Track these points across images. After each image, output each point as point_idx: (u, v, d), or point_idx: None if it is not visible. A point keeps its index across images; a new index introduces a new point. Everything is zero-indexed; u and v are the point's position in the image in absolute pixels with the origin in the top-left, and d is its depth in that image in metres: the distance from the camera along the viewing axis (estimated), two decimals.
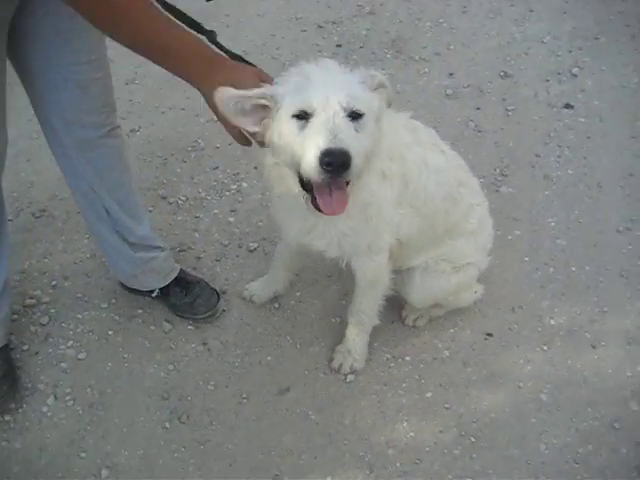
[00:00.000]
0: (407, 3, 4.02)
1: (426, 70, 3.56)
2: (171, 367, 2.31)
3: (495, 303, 2.51)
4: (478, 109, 3.35)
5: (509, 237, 2.74)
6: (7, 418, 2.16)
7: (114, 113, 2.06)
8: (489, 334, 2.43)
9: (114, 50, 1.84)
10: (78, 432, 2.14)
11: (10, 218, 2.70)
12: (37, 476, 2.05)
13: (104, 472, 2.05)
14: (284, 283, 2.46)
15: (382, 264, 1.99)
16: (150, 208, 2.79)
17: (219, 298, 2.44)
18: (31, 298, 2.47)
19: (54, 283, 2.52)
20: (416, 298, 2.25)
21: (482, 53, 3.68)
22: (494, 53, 3.69)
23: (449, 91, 3.44)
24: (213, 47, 1.63)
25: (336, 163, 1.42)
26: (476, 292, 2.36)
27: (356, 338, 2.26)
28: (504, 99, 3.41)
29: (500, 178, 3.00)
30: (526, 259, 2.67)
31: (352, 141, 1.46)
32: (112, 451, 2.10)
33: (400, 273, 2.21)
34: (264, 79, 1.57)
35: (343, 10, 3.96)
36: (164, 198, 2.86)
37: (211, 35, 1.73)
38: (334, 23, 3.87)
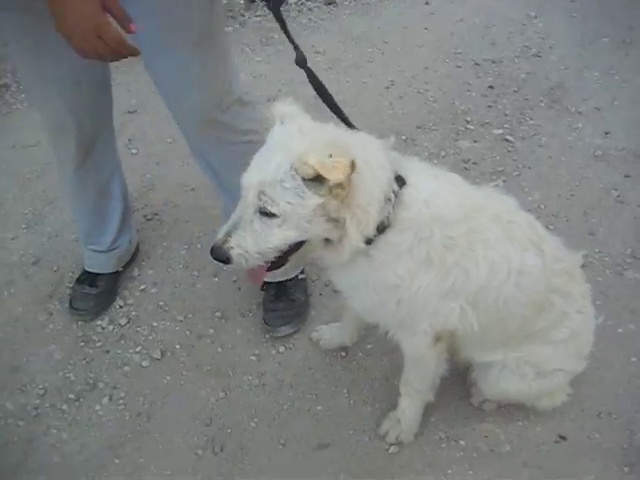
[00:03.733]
0: (580, 49, 3.70)
1: (579, 125, 3.26)
2: (222, 395, 2.30)
3: (579, 403, 2.21)
4: (627, 177, 3.00)
5: (619, 330, 2.41)
6: (64, 407, 2.28)
7: None
8: (562, 437, 2.15)
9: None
10: (119, 438, 2.21)
11: None
12: (72, 471, 2.14)
13: None
14: (352, 337, 2.37)
15: (423, 346, 1.82)
16: None
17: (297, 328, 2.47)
18: (119, 298, 2.59)
19: (143, 287, 2.63)
20: (488, 393, 2.06)
21: None
22: None
23: (599, 152, 3.11)
24: None
25: (217, 258, 1.56)
26: (563, 394, 2.12)
27: (406, 409, 2.10)
28: None
29: (629, 260, 2.64)
30: (633, 359, 2.33)
31: (247, 241, 1.52)
32: (143, 464, 2.14)
33: (475, 365, 2.04)
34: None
35: (507, 49, 3.74)
36: None
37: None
38: (493, 62, 3.67)
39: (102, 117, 2.21)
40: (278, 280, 2.45)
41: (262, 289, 2.50)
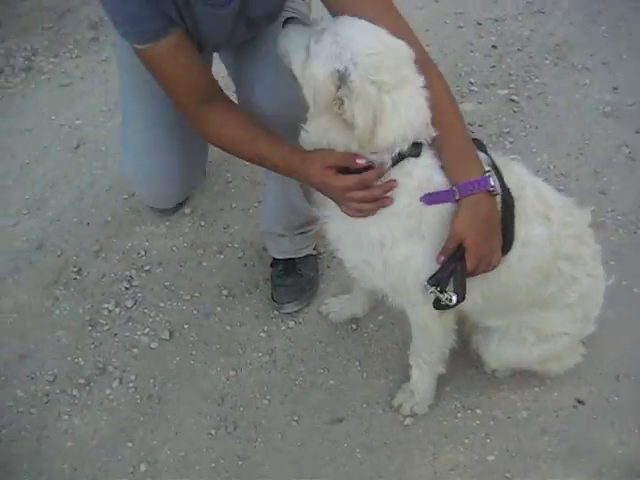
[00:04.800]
0: (584, 1, 3.58)
1: (587, 82, 3.16)
2: (232, 373, 2.28)
3: (597, 366, 2.17)
4: (638, 132, 2.91)
5: (635, 290, 2.36)
6: (74, 393, 2.26)
7: None
8: (580, 401, 2.11)
9: None
10: (132, 421, 2.19)
11: (126, 196, 2.84)
12: (86, 455, 2.12)
13: (142, 466, 2.07)
14: (363, 308, 2.32)
15: (426, 316, 1.77)
16: (255, 204, 2.76)
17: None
18: (124, 279, 2.56)
19: (148, 268, 2.59)
20: (492, 363, 2.03)
21: None
22: None
23: (608, 108, 3.02)
24: None
25: None
26: (576, 356, 2.07)
27: (418, 381, 2.06)
28: None
29: None
30: None
31: None
32: (156, 447, 2.12)
33: (478, 328, 1.99)
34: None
35: (509, 6, 3.63)
36: None
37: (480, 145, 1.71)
38: (496, 21, 3.56)
39: None
40: (288, 257, 2.41)
41: (271, 265, 2.46)
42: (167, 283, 2.54)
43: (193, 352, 2.35)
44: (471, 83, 3.22)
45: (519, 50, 3.37)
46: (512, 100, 3.11)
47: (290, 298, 2.37)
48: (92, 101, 3.28)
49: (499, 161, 1.68)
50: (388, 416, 2.14)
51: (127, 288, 2.53)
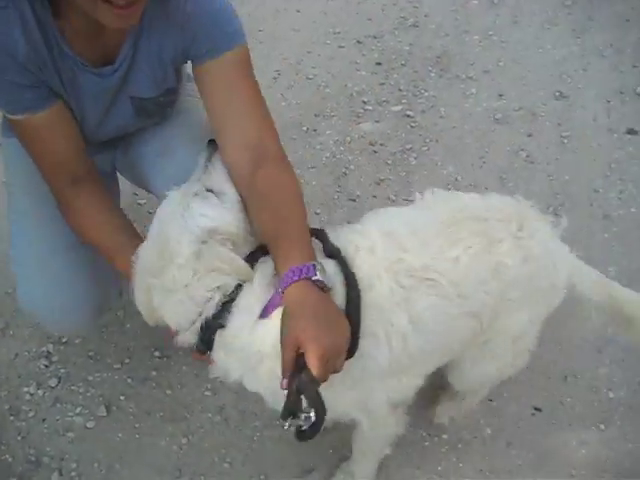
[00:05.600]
0: (454, 14, 3.72)
1: (473, 91, 3.27)
2: (184, 440, 2.12)
3: (545, 370, 2.23)
4: (530, 136, 3.06)
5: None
6: None
7: None
8: (537, 408, 2.17)
9: None
10: None
11: None
12: None
13: None
14: None
15: (381, 418, 1.63)
16: None
17: None
18: (41, 357, 2.31)
19: (65, 339, 2.36)
20: (467, 386, 1.90)
21: (535, 70, 3.38)
22: (549, 70, 3.38)
23: (498, 115, 3.14)
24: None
25: None
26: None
27: (362, 464, 1.92)
28: (559, 124, 3.11)
29: (553, 219, 2.68)
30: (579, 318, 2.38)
31: None
32: None
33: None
34: None
35: (384, 23, 3.69)
36: None
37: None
38: (374, 37, 3.60)
39: None
40: None
41: None
42: (91, 353, 2.33)
43: (136, 425, 2.16)
44: (364, 102, 3.23)
45: (403, 65, 3.43)
46: (407, 115, 3.16)
47: None
48: None
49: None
50: None
51: (47, 365, 2.29)
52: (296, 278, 1.33)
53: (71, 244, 1.76)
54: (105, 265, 1.67)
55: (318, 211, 2.75)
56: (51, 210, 1.70)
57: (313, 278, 1.33)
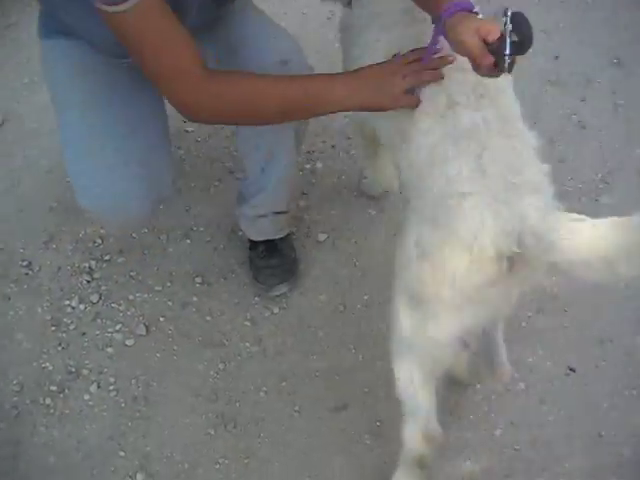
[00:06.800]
0: None
1: (530, 50, 3.20)
2: (222, 366, 2.15)
3: (582, 332, 2.24)
4: (583, 100, 3.00)
5: None
6: (47, 402, 2.06)
7: None
8: (572, 369, 2.18)
9: None
10: (119, 427, 2.02)
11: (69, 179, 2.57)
12: (73, 469, 1.95)
13: (139, 476, 1.93)
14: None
15: None
16: (215, 182, 2.60)
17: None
18: (83, 272, 2.33)
19: (107, 257, 2.37)
20: None
21: (594, 35, 3.29)
22: (608, 36, 3.29)
23: (552, 77, 3.08)
24: None
25: None
26: None
27: None
28: (614, 92, 3.04)
29: (602, 186, 2.66)
30: (621, 284, 2.38)
31: None
32: (151, 453, 1.98)
33: None
34: None
35: None
36: (231, 172, 2.65)
37: None
38: None
39: None
40: (267, 238, 2.28)
41: (249, 248, 2.33)
42: (133, 273, 2.35)
43: (174, 347, 2.19)
44: None
45: None
46: None
47: (278, 279, 2.26)
48: (8, 73, 2.94)
49: None
50: (391, 400, 2.10)
51: (88, 281, 2.31)
52: (458, 9, 1.35)
53: (122, 134, 1.74)
54: (158, 152, 1.79)
55: None
56: (103, 100, 1.71)
57: (471, 9, 1.36)
